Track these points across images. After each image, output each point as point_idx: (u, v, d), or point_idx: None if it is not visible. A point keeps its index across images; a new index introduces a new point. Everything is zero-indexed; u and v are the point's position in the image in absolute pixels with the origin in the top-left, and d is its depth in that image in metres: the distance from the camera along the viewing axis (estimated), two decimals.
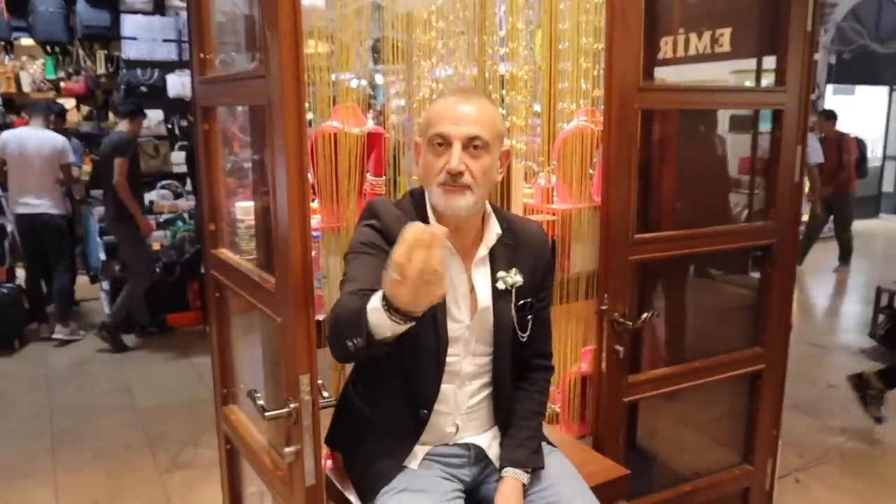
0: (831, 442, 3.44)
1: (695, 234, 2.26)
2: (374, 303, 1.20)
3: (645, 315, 2.08)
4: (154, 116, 6.20)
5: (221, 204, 1.90)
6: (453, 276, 1.50)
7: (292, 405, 1.43)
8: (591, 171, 2.20)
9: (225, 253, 1.86)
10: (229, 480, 2.02)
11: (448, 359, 1.51)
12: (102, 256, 5.54)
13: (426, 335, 1.46)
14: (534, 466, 1.55)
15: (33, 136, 4.83)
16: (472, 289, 1.53)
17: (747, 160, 2.66)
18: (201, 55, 1.76)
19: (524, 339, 1.57)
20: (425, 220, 1.47)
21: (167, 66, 6.18)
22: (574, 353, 2.27)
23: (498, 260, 1.55)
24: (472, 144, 1.41)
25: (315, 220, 1.84)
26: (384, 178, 1.94)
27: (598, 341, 2.09)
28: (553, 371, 1.73)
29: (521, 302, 1.56)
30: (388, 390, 1.53)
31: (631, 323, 2.05)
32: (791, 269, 2.42)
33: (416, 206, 1.51)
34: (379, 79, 2.20)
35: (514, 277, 1.54)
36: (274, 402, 1.52)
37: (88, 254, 6.13)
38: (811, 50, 2.21)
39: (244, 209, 1.84)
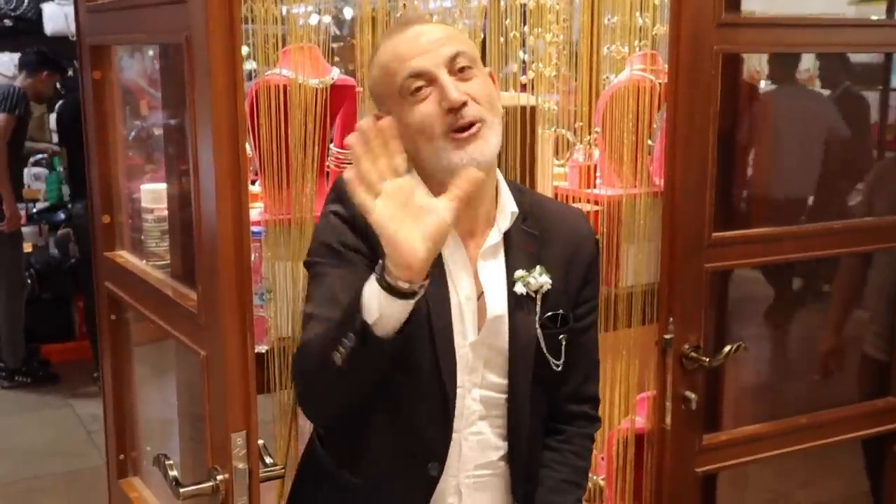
0: None
1: (800, 233, 2.27)
2: (370, 287, 1.30)
3: (728, 348, 2.08)
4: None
5: (120, 187, 1.91)
6: (454, 267, 1.53)
7: (220, 477, 1.43)
8: (649, 142, 2.21)
9: (125, 257, 1.88)
10: None
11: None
12: None
13: (424, 355, 1.48)
14: None
15: None
16: (481, 292, 1.55)
17: (875, 127, 2.68)
18: None
19: (558, 368, 1.60)
20: None
21: None
22: (624, 401, 2.28)
23: (515, 253, 1.57)
24: (457, 67, 1.47)
25: (255, 211, 1.83)
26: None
27: (659, 385, 2.10)
28: (599, 424, 1.74)
29: (551, 314, 1.58)
30: (378, 442, 1.54)
31: (708, 359, 2.05)
32: None
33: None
34: (348, 12, 2.22)
35: (540, 279, 1.56)
36: (194, 472, 1.55)
37: None
38: None
39: (153, 194, 1.84)
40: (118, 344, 1.96)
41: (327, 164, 1.95)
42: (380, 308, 1.29)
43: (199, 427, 1.55)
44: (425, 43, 1.47)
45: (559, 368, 1.60)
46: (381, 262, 1.30)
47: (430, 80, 1.45)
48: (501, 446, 1.60)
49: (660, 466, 2.13)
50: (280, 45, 1.80)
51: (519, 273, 1.56)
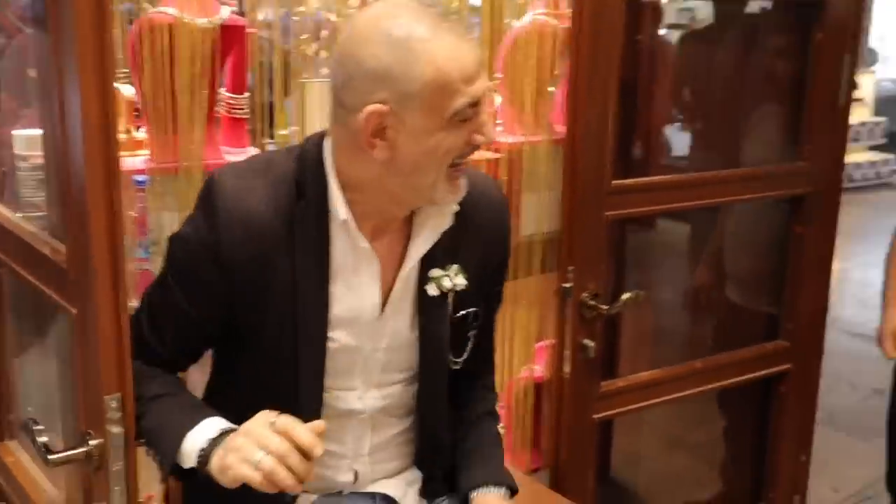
0: (879, 470, 3.53)
1: (696, 181, 2.32)
2: (192, 443, 1.34)
3: (625, 296, 2.11)
4: None
5: None
6: (353, 276, 1.46)
7: (93, 442, 1.34)
8: (550, 88, 2.22)
9: None
10: None
11: (337, 393, 1.49)
12: None
13: (283, 373, 1.45)
14: (512, 486, 1.60)
15: None
16: (386, 298, 1.48)
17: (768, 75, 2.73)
18: None
19: (457, 367, 1.58)
20: (324, 203, 1.40)
21: None
22: (524, 350, 2.31)
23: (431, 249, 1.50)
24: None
25: (140, 159, 1.81)
26: (247, 95, 1.93)
27: (558, 333, 2.12)
28: (496, 396, 1.76)
29: (462, 313, 1.54)
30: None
31: (606, 307, 2.08)
32: (831, 231, 2.51)
33: (309, 178, 1.41)
34: None
35: (455, 279, 1.49)
36: (69, 437, 1.47)
37: None
38: None
39: (27, 140, 1.73)
40: None
41: (216, 109, 1.90)
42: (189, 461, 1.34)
43: (73, 391, 1.48)
44: (474, 62, 1.33)
45: (458, 366, 1.58)
46: (217, 437, 1.33)
47: (476, 108, 1.34)
48: (405, 423, 1.61)
49: (558, 414, 2.17)
50: None
51: (434, 273, 1.48)
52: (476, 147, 1.37)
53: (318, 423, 1.28)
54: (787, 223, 2.49)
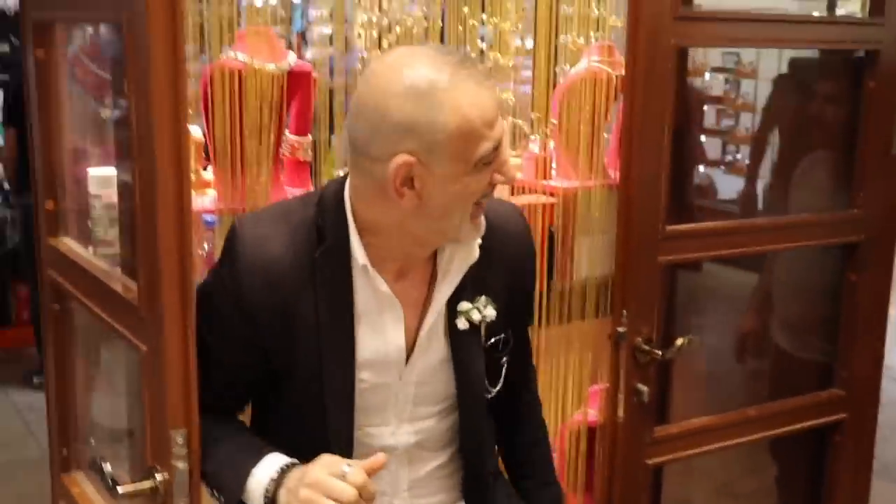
0: None
1: (749, 227, 2.31)
2: (257, 484, 1.38)
3: (680, 341, 2.08)
4: None
5: (65, 170, 1.85)
6: (377, 318, 1.47)
7: (159, 476, 1.36)
8: (605, 134, 2.24)
9: (68, 244, 1.81)
10: None
11: (369, 430, 1.51)
12: None
13: (315, 408, 1.46)
14: None
15: None
16: (413, 338, 1.49)
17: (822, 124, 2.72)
18: None
19: (490, 395, 1.58)
20: (345, 247, 1.42)
21: None
22: (577, 393, 2.31)
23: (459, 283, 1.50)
24: None
25: (207, 199, 1.85)
26: (309, 137, 1.96)
27: (612, 377, 2.09)
28: (540, 406, 1.77)
29: (493, 340, 1.54)
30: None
31: (660, 352, 2.05)
32: (886, 278, 2.47)
33: (329, 223, 1.43)
34: None
35: (485, 311, 1.49)
36: (136, 471, 1.50)
37: None
38: None
39: (102, 179, 1.76)
40: (62, 335, 1.89)
41: (282, 151, 1.94)
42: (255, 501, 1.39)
43: (142, 424, 1.49)
44: (494, 108, 1.36)
45: (491, 395, 1.58)
46: (279, 477, 1.37)
47: (499, 149, 1.36)
48: (445, 454, 1.61)
49: (612, 459, 2.13)
50: (234, 26, 1.80)
51: (463, 306, 1.49)
52: (493, 187, 1.39)
53: (379, 458, 1.34)
54: (842, 270, 2.44)
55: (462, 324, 1.49)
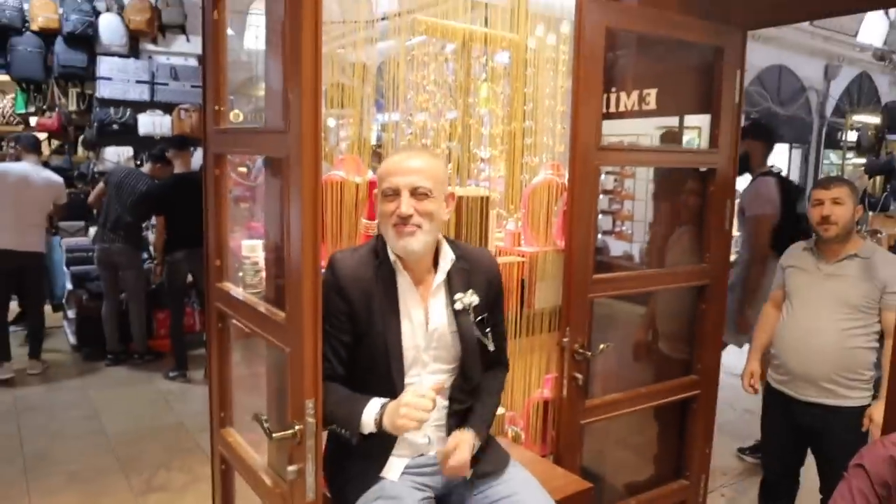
0: (749, 461, 3.58)
1: (642, 276, 2.36)
2: (368, 417, 1.48)
3: (602, 346, 2.14)
4: (124, 152, 6.17)
5: (227, 241, 1.91)
6: (409, 304, 1.57)
7: (297, 427, 1.43)
8: (554, 218, 2.27)
9: (229, 287, 1.85)
10: (223, 499, 1.97)
11: (408, 380, 1.57)
12: (69, 286, 5.34)
13: (383, 363, 1.55)
14: (483, 441, 1.62)
15: (34, 174, 4.46)
16: (427, 315, 1.59)
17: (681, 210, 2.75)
18: (216, 107, 1.78)
19: (493, 349, 1.64)
20: (387, 259, 1.57)
21: (139, 106, 6.17)
22: (537, 380, 2.31)
23: (454, 283, 1.61)
24: (417, 192, 1.52)
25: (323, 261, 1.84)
26: (377, 221, 1.95)
27: (559, 369, 2.14)
28: (508, 370, 1.78)
29: (480, 318, 1.63)
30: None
31: (589, 353, 2.11)
32: (721, 306, 2.52)
33: (380, 248, 1.59)
34: (331, 122, 2.24)
35: (471, 297, 1.60)
36: (278, 424, 1.51)
37: (54, 283, 5.89)
38: (738, 118, 2.39)
39: (251, 246, 1.84)
40: (222, 342, 1.93)
41: (360, 230, 1.99)
42: (367, 425, 1.49)
43: (281, 396, 1.54)
44: (404, 168, 1.52)
45: (493, 349, 1.65)
46: (381, 410, 1.48)
47: (398, 193, 1.52)
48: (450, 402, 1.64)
49: (559, 421, 2.17)
50: (337, 154, 1.87)
51: (458, 295, 1.60)
52: (399, 216, 1.50)
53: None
54: (696, 302, 2.48)
55: (458, 306, 1.59)
